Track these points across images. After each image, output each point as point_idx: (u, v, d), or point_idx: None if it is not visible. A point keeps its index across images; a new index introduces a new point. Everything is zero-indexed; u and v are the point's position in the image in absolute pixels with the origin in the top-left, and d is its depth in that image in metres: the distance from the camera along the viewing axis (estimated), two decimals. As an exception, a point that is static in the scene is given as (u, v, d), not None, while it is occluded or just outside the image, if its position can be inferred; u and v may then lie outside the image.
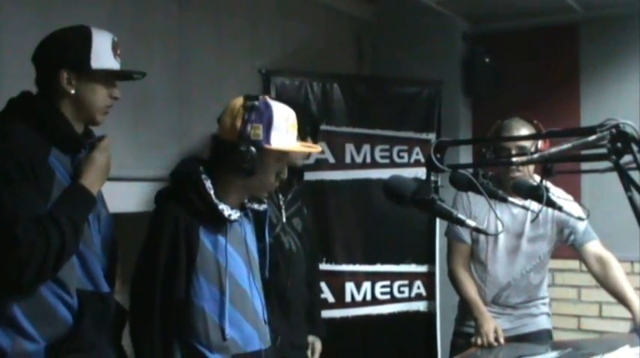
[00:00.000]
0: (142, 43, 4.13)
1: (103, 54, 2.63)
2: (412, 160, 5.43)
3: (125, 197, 3.79)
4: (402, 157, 5.41)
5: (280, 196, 3.85)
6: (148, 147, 4.19)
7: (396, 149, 5.42)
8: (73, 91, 2.60)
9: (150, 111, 4.22)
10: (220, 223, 2.79)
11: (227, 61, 4.81)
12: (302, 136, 3.57)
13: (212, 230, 2.78)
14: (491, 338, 3.80)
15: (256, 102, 2.74)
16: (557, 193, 3.62)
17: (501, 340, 3.80)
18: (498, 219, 3.88)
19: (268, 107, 2.74)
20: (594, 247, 3.99)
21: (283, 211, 3.84)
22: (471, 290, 4.05)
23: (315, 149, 3.18)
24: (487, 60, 5.86)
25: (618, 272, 3.91)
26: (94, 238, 2.65)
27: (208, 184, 2.77)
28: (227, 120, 2.78)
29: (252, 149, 2.69)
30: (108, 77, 2.68)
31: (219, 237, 2.79)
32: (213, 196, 2.76)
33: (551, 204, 3.08)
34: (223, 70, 4.75)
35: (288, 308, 3.81)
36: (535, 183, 3.16)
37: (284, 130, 2.76)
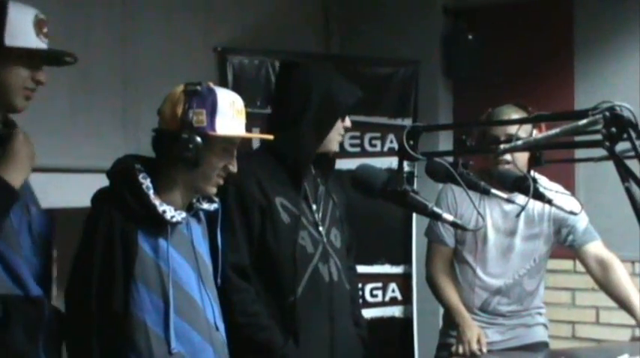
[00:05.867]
0: (79, 15, 4.10)
1: (20, 30, 2.57)
2: (385, 149, 5.46)
3: (62, 190, 3.77)
4: (375, 145, 5.43)
5: (314, 207, 3.47)
6: (87, 135, 4.17)
7: (367, 136, 5.44)
8: None
9: (89, 93, 4.20)
10: (161, 226, 2.77)
11: (178, 38, 4.79)
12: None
13: (152, 233, 2.77)
14: (474, 347, 3.81)
15: (198, 87, 2.75)
16: (550, 187, 3.61)
17: (484, 349, 3.82)
18: (479, 213, 3.87)
19: (211, 92, 2.76)
20: (595, 248, 3.97)
21: (322, 229, 3.46)
22: (453, 295, 4.04)
23: (266, 136, 3.19)
24: (470, 37, 5.85)
25: (621, 274, 3.89)
26: (19, 237, 2.61)
27: (147, 183, 2.75)
28: (167, 109, 2.79)
29: (196, 137, 2.69)
30: (32, 59, 2.63)
31: (160, 240, 2.77)
32: (152, 196, 2.74)
33: (539, 196, 3.08)
34: (173, 47, 4.74)
35: (334, 354, 3.49)
36: (521, 174, 3.16)
37: (230, 116, 2.77)
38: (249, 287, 3.27)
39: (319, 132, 3.37)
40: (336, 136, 3.43)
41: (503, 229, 3.99)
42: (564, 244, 4.03)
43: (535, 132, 3.57)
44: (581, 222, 3.93)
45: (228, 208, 3.23)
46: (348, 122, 3.46)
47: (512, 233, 3.99)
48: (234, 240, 3.23)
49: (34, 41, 2.60)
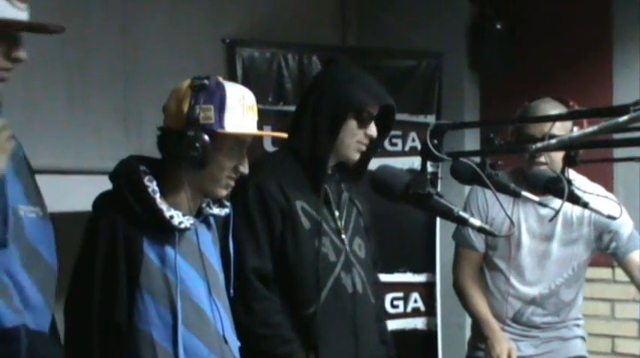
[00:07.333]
0: (77, 3, 4.10)
1: None
2: (407, 148, 5.43)
3: (61, 193, 3.77)
4: (395, 144, 5.41)
5: (337, 214, 3.45)
6: (85, 133, 4.17)
7: (387, 134, 5.43)
8: None
9: (88, 87, 4.19)
10: (168, 232, 2.76)
11: (183, 28, 4.79)
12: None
13: (158, 240, 2.76)
14: (504, 362, 3.81)
15: (206, 82, 2.74)
16: (591, 189, 3.55)
17: (515, 365, 3.82)
18: (509, 218, 3.85)
19: (220, 86, 2.75)
20: None
21: (345, 237, 3.46)
22: (481, 305, 4.04)
23: (280, 134, 3.18)
24: (498, 26, 5.84)
25: None
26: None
27: (153, 187, 2.74)
28: (172, 105, 2.78)
29: (203, 135, 2.68)
30: (5, 32, 2.31)
31: (167, 248, 2.76)
32: (158, 201, 2.73)
33: (573, 199, 3.06)
34: (178, 39, 4.73)
35: None
36: (555, 175, 3.14)
37: (240, 112, 2.76)
38: (272, 295, 3.25)
39: (331, 128, 3.33)
40: (352, 142, 3.37)
41: (538, 234, 3.96)
42: (606, 251, 3.99)
43: (575, 129, 3.54)
44: (626, 227, 3.88)
45: (249, 208, 3.24)
46: (372, 130, 3.40)
47: (548, 238, 3.96)
48: (256, 243, 3.24)
49: (10, 11, 2.28)
